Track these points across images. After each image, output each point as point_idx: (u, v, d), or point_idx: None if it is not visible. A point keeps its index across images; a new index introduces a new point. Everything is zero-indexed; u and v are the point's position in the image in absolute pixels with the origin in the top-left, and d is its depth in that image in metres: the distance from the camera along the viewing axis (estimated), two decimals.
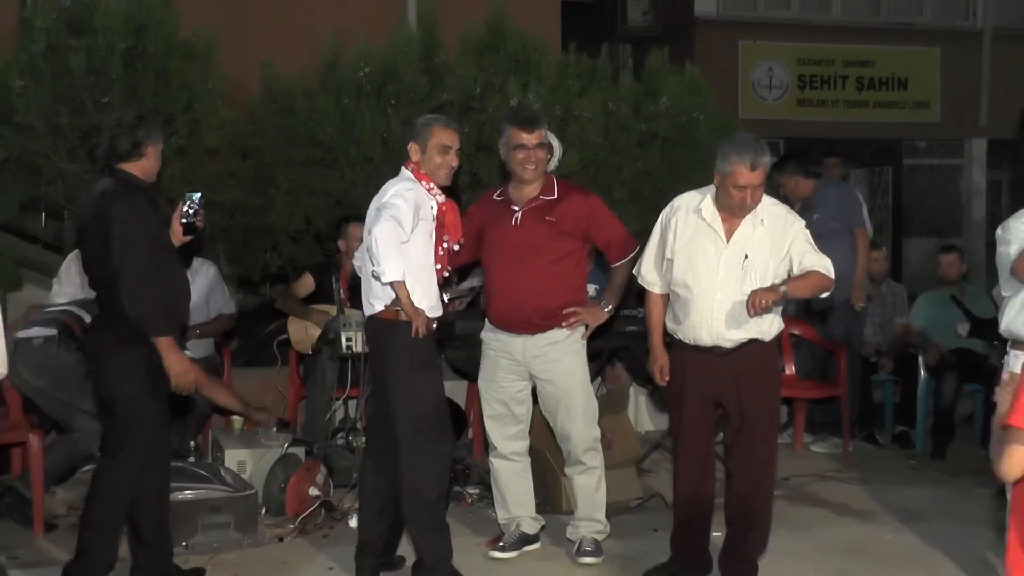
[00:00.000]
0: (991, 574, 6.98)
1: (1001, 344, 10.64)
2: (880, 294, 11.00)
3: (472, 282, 9.64)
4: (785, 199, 9.43)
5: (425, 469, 6.41)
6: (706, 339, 6.44)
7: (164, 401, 6.36)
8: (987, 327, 10.53)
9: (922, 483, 9.17)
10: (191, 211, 6.38)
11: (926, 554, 7.37)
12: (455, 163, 6.66)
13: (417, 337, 6.32)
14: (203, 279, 9.27)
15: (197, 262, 9.26)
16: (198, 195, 6.44)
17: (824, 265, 6.35)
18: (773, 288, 6.18)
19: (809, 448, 10.26)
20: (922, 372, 10.38)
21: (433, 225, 6.55)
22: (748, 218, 6.37)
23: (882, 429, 10.82)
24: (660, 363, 6.72)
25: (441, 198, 6.59)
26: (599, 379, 9.71)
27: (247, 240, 10.59)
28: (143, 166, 6.28)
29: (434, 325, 6.52)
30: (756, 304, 6.07)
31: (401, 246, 6.25)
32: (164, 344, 6.12)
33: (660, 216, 6.67)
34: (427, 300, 6.46)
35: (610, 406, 8.38)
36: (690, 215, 6.47)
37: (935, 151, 24.03)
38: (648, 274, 6.72)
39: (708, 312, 6.39)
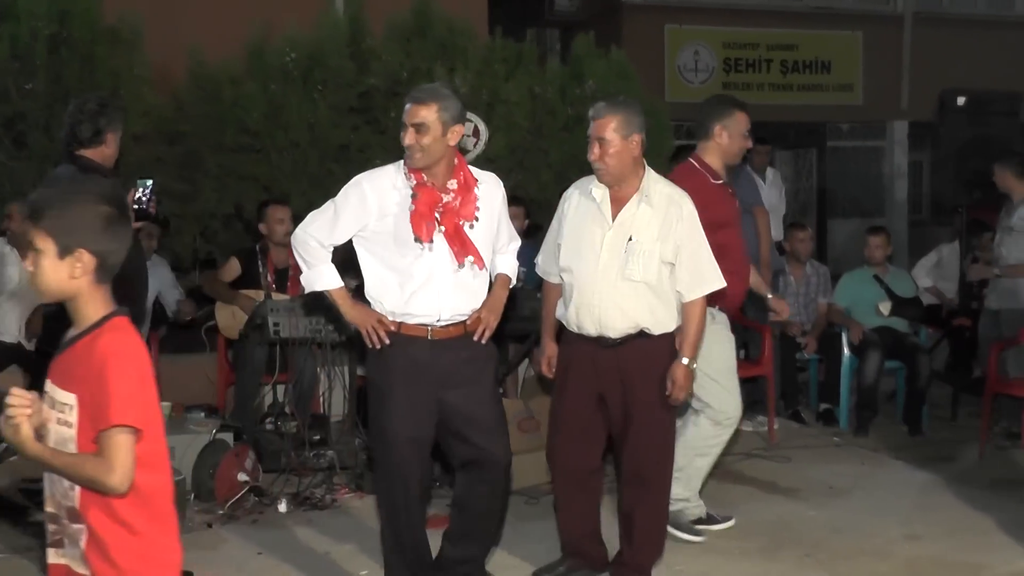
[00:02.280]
0: (914, 548, 7.02)
1: (922, 321, 10.80)
2: (804, 274, 11.02)
3: None
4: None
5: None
6: (590, 328, 6.12)
7: None
8: (908, 306, 10.61)
9: (846, 460, 9.23)
10: (143, 197, 6.34)
11: (851, 528, 7.41)
12: (411, 141, 5.64)
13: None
14: (155, 281, 9.18)
15: (155, 258, 9.23)
16: (150, 181, 6.42)
17: (704, 279, 6.15)
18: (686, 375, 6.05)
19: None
20: (845, 351, 10.42)
21: (405, 217, 5.70)
22: (634, 197, 6.06)
23: (807, 407, 10.87)
24: (548, 354, 6.45)
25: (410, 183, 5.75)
26: (527, 360, 9.71)
27: (175, 226, 10.47)
28: (103, 152, 6.27)
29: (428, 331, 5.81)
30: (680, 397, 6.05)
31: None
32: None
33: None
34: (393, 304, 5.80)
35: (539, 387, 8.37)
36: (582, 198, 6.20)
37: (858, 133, 24.20)
38: (545, 263, 6.44)
39: (591, 298, 6.07)
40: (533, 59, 11.50)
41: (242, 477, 7.74)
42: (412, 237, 5.66)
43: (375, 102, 10.67)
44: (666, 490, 6.41)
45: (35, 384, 8.41)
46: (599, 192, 6.11)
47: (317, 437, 8.30)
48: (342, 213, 5.73)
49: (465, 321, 5.84)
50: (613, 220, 6.07)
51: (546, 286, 6.48)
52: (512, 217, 9.97)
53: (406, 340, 5.76)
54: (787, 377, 10.65)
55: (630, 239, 6.03)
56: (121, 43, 10.03)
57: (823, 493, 8.26)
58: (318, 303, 7.98)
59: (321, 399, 8.67)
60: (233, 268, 9.21)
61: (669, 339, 6.16)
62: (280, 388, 8.81)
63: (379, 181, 5.77)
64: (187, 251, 10.74)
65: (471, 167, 6.00)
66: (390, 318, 5.76)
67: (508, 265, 6.12)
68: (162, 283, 9.89)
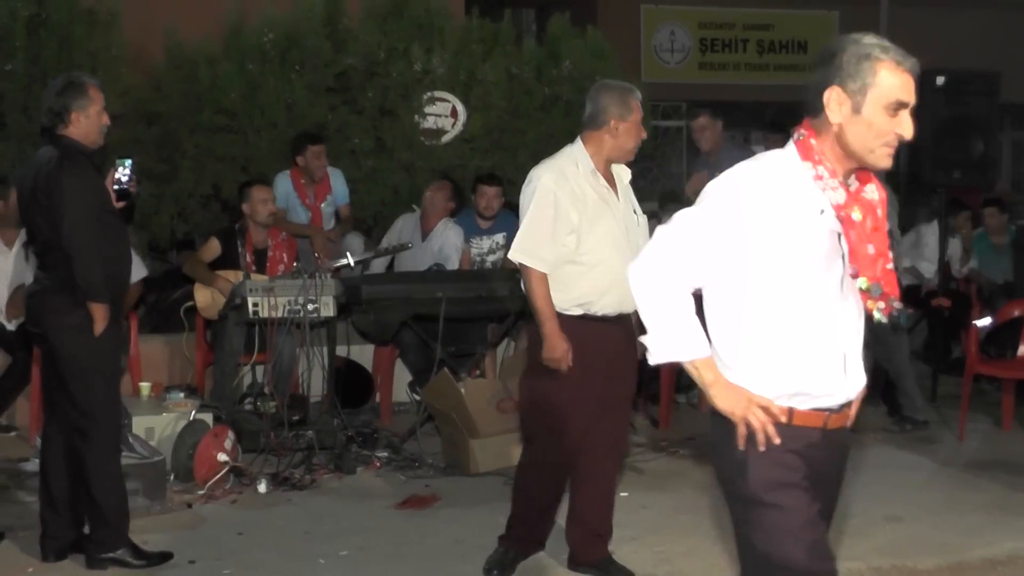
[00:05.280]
0: (896, 529, 7.05)
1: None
2: None
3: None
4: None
5: None
6: (612, 308, 5.98)
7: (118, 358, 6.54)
8: None
9: None
10: (123, 178, 6.33)
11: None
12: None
13: None
14: None
15: None
16: (130, 161, 6.39)
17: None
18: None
19: None
20: None
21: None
22: (614, 171, 6.08)
23: None
24: (564, 347, 5.88)
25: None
26: (507, 340, 9.73)
27: (153, 207, 10.44)
28: (78, 131, 6.20)
29: None
30: None
31: None
32: (99, 311, 6.08)
33: (534, 193, 5.94)
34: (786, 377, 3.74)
35: (519, 367, 8.35)
36: (580, 180, 5.95)
37: None
38: (541, 250, 5.91)
39: (619, 276, 5.30)
40: (510, 39, 11.51)
41: (222, 457, 7.72)
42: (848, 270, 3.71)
43: (352, 82, 10.68)
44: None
45: (15, 364, 8.46)
46: (597, 172, 6.00)
47: (296, 417, 8.29)
48: (705, 233, 3.69)
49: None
50: (618, 197, 6.05)
51: (535, 275, 5.91)
52: (491, 196, 10.06)
53: (796, 434, 3.73)
54: None
55: (634, 212, 6.10)
56: (98, 24, 10.04)
57: None
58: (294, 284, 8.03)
59: (300, 379, 8.66)
60: (213, 248, 9.17)
61: None
62: (259, 368, 8.81)
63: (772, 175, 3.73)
64: (164, 232, 10.71)
65: None
66: (777, 402, 3.71)
67: None
68: None
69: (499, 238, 10.08)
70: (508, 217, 9.80)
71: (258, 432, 8.16)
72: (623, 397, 6.25)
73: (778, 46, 22.68)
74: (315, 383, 8.50)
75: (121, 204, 6.36)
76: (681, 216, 3.73)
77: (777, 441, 3.65)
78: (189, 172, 10.37)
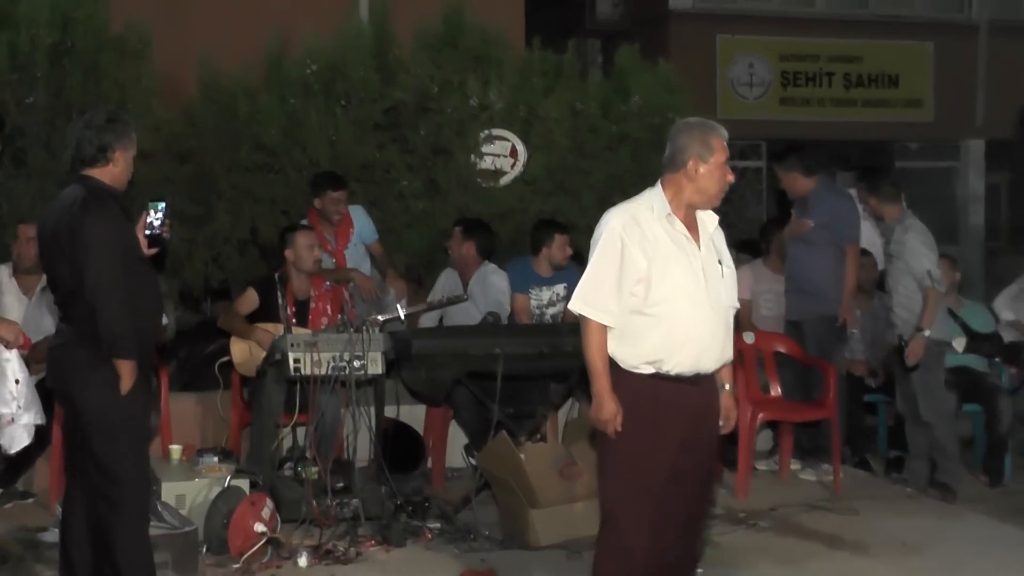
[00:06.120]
0: None
1: (1002, 359, 10.74)
2: (871, 307, 11.01)
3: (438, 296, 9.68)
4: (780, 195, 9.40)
5: None
6: (687, 366, 5.89)
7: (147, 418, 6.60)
8: (986, 342, 10.55)
9: (920, 513, 9.16)
10: (156, 222, 6.37)
11: None
12: None
13: None
14: None
15: None
16: (163, 204, 6.42)
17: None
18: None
19: (797, 476, 10.24)
20: None
21: None
22: (698, 216, 6.06)
23: (876, 454, 10.83)
24: (613, 409, 5.84)
25: None
26: (571, 400, 9.72)
27: (186, 252, 10.51)
28: (112, 172, 6.25)
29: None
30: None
31: None
32: (126, 367, 6.11)
33: (601, 239, 5.93)
34: None
35: (582, 430, 8.35)
36: (654, 225, 5.92)
37: (929, 153, 24.14)
38: (604, 301, 5.88)
39: (693, 331, 5.87)
40: (574, 72, 11.56)
41: (259, 528, 7.72)
42: None
43: (402, 118, 10.74)
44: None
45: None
46: (674, 215, 5.96)
47: (340, 484, 8.29)
48: None
49: None
50: (699, 246, 6.00)
51: (595, 326, 5.91)
52: (563, 244, 10.06)
53: None
54: (853, 421, 10.61)
55: (720, 262, 6.04)
56: (128, 53, 10.13)
57: (894, 550, 8.22)
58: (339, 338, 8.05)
59: (345, 442, 8.68)
60: (250, 300, 9.21)
61: None
62: (300, 430, 8.83)
63: None
64: (198, 280, 10.78)
65: None
66: None
67: None
68: None
69: (560, 289, 10.10)
70: (570, 267, 9.83)
71: (299, 500, 8.17)
72: (702, 468, 6.12)
73: (867, 80, 22.68)
74: (361, 446, 8.53)
75: (152, 251, 6.41)
76: None
77: None
78: (225, 214, 10.43)
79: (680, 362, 5.87)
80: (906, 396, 9.68)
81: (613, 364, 5.91)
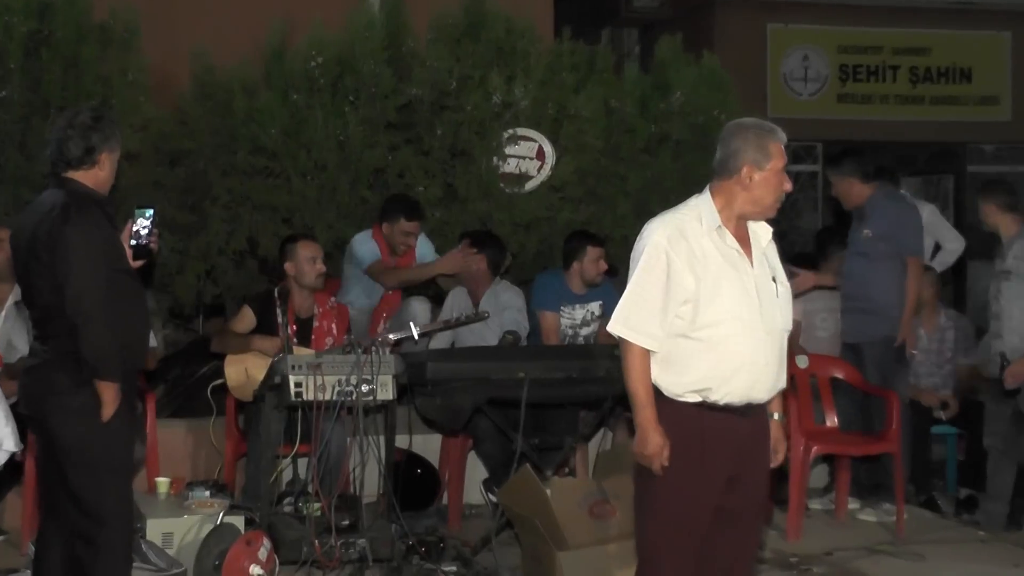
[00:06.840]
0: None
1: None
2: (938, 326, 10.95)
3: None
4: (837, 203, 9.37)
5: None
6: (739, 395, 5.85)
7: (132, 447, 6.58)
8: None
9: (993, 559, 9.12)
10: (143, 231, 6.40)
11: None
12: None
13: None
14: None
15: None
16: (151, 211, 6.45)
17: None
18: None
19: (856, 516, 10.20)
20: None
21: None
22: (750, 228, 6.02)
23: (944, 492, 10.78)
24: (659, 442, 5.78)
25: None
26: (603, 430, 9.70)
27: (177, 264, 10.52)
28: (96, 176, 6.29)
29: None
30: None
31: None
32: (109, 391, 6.12)
33: (644, 254, 5.87)
34: None
35: (616, 463, 8.32)
36: (702, 239, 5.87)
37: (1005, 156, 24.03)
38: (647, 324, 5.83)
39: (746, 357, 5.83)
40: (608, 66, 11.55)
41: (254, 570, 7.73)
42: None
43: (418, 117, 10.74)
44: None
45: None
46: (724, 228, 5.91)
47: (345, 522, 8.29)
48: None
49: None
50: (751, 261, 5.95)
51: (635, 351, 5.85)
52: (598, 258, 10.05)
53: None
54: (919, 455, 10.56)
55: (774, 280, 6.00)
56: (113, 43, 10.15)
57: None
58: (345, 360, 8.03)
59: (351, 476, 8.68)
60: (246, 319, 9.20)
61: None
62: (302, 462, 8.83)
63: None
64: (189, 295, 10.77)
65: None
66: None
67: None
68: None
69: (594, 307, 10.09)
70: (606, 283, 9.81)
71: (299, 540, 8.16)
72: (751, 506, 6.08)
73: (936, 74, 22.57)
74: (369, 480, 8.51)
75: (139, 263, 6.41)
76: None
77: None
78: (220, 223, 10.45)
79: (730, 391, 5.84)
80: (997, 428, 9.60)
81: (656, 392, 5.87)
